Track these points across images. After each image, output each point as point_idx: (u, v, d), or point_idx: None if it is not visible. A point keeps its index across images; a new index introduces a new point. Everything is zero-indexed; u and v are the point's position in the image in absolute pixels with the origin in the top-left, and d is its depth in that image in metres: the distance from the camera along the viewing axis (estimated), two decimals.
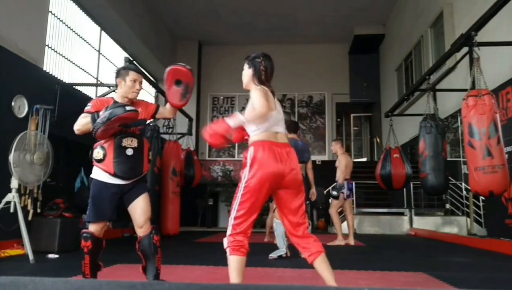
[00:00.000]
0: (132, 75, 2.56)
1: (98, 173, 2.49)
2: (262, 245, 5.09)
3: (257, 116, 2.10)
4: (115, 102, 2.45)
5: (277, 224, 4.52)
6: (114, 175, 2.44)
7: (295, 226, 2.18)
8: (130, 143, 2.46)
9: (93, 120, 2.34)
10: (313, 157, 11.48)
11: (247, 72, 2.40)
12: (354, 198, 9.17)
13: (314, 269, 2.22)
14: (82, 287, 0.90)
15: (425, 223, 8.65)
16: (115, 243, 5.54)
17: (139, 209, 2.50)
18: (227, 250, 2.07)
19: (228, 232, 2.10)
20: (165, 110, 2.73)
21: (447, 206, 8.59)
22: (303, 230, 2.18)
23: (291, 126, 5.11)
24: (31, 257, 3.88)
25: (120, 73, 2.59)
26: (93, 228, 2.47)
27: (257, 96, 2.15)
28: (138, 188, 2.53)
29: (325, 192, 6.19)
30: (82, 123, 2.42)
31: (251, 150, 2.17)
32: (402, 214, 9.20)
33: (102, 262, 2.58)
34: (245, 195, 2.09)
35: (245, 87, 2.42)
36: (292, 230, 2.19)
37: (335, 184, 6.12)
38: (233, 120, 2.14)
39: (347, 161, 6.03)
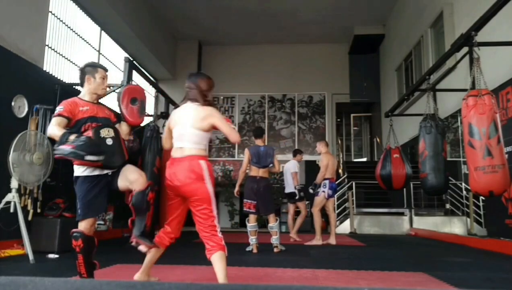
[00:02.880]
0: (101, 72, 2.65)
1: (85, 170, 2.47)
2: (262, 245, 5.09)
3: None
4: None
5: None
6: (103, 166, 2.44)
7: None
8: (107, 133, 2.47)
9: (60, 141, 2.33)
10: (312, 158, 11.59)
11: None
12: (354, 198, 9.24)
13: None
14: (82, 287, 0.90)
15: (425, 223, 8.65)
16: (115, 243, 5.54)
17: (129, 169, 2.54)
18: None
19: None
20: (124, 128, 2.74)
21: (447, 206, 8.59)
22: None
23: (256, 132, 5.24)
24: (31, 257, 3.88)
25: (87, 70, 2.64)
26: (82, 226, 2.46)
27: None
28: (120, 167, 2.56)
29: (310, 189, 6.23)
30: (55, 135, 2.38)
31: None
32: (402, 214, 9.20)
33: (98, 261, 2.57)
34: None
35: None
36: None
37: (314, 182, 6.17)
38: None
39: (328, 161, 6.06)
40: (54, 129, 2.40)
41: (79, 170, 2.49)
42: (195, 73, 2.76)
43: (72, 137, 2.33)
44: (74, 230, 2.47)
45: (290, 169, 6.67)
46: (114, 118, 2.74)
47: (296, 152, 7.09)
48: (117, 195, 2.93)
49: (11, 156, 4.06)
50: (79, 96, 2.64)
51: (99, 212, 2.53)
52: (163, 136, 2.57)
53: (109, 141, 2.46)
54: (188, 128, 2.49)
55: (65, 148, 2.29)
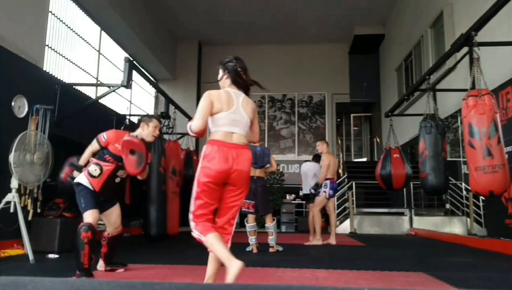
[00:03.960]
0: (154, 122, 3.15)
1: (87, 182, 2.93)
2: (262, 245, 5.09)
3: (190, 130, 2.34)
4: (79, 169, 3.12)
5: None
6: (97, 193, 2.93)
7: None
8: (122, 174, 3.06)
9: (76, 166, 3.18)
10: None
11: (220, 75, 2.58)
12: (354, 198, 9.23)
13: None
14: (82, 287, 0.90)
15: (425, 223, 8.65)
16: None
17: (115, 214, 3.16)
18: (198, 236, 2.22)
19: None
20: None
21: (447, 206, 8.59)
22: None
23: None
24: (31, 257, 3.88)
25: (144, 119, 3.18)
26: (89, 218, 2.79)
27: (198, 107, 2.34)
28: (113, 200, 3.15)
29: (311, 189, 6.19)
30: (84, 157, 3.10)
31: (204, 148, 2.33)
32: (402, 214, 9.19)
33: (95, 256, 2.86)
34: (199, 188, 2.28)
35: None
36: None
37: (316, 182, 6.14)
38: (187, 126, 2.39)
39: (329, 161, 6.04)
40: (85, 154, 3.12)
41: (82, 179, 2.95)
42: (241, 59, 2.58)
43: (76, 173, 3.18)
44: (82, 223, 2.78)
45: (311, 170, 6.46)
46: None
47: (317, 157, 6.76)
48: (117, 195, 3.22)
49: (12, 156, 4.06)
50: (132, 134, 3.13)
51: (99, 205, 2.94)
52: (196, 116, 2.31)
53: (117, 180, 3.08)
54: (245, 117, 2.38)
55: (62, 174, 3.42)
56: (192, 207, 2.26)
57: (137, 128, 3.17)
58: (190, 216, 2.26)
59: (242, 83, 2.46)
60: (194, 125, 2.29)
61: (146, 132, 3.11)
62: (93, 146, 3.03)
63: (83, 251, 2.67)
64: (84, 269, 2.68)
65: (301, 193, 6.68)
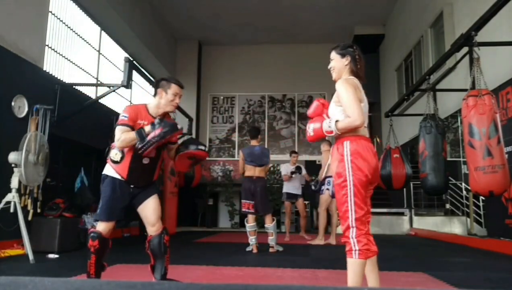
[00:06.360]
0: (174, 88, 2.54)
1: (113, 172, 2.49)
2: (262, 245, 5.08)
3: (350, 128, 1.99)
4: (161, 119, 2.42)
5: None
6: (126, 180, 2.48)
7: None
8: (148, 152, 2.46)
9: (141, 137, 2.36)
10: (313, 157, 11.61)
11: (339, 62, 2.19)
12: None
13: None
14: (82, 287, 0.90)
15: (425, 223, 8.65)
16: (115, 243, 5.53)
17: (151, 208, 2.54)
18: (356, 253, 2.01)
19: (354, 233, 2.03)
20: (172, 151, 2.69)
21: (447, 206, 8.59)
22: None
23: (252, 132, 5.25)
24: (31, 257, 3.88)
25: (161, 84, 2.57)
26: (101, 227, 2.47)
27: (349, 97, 1.98)
28: (149, 189, 2.58)
29: (312, 186, 6.26)
30: (127, 140, 2.39)
31: (348, 145, 2.02)
32: (402, 214, 9.19)
33: (107, 262, 2.58)
34: (356, 189, 2.03)
35: (337, 78, 2.21)
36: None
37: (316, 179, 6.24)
38: (324, 127, 2.07)
39: (328, 158, 6.06)
40: (121, 136, 2.40)
41: (107, 170, 2.51)
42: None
43: (147, 128, 2.38)
44: (92, 229, 2.47)
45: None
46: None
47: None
48: None
49: (16, 156, 4.10)
50: (148, 104, 2.59)
51: (115, 218, 2.52)
52: (351, 107, 1.97)
53: (146, 160, 2.51)
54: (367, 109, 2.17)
55: (156, 134, 2.32)
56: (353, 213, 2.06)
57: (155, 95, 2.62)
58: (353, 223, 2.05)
59: (357, 72, 2.17)
60: (356, 118, 1.95)
61: (165, 100, 2.54)
62: (123, 131, 2.41)
63: (89, 260, 2.43)
64: (90, 277, 2.50)
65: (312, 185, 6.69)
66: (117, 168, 2.47)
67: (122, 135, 2.39)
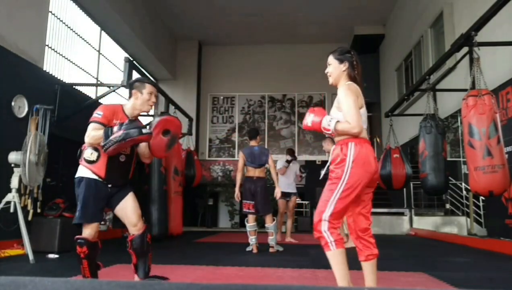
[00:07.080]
0: (149, 88, 2.56)
1: (89, 173, 2.43)
2: (262, 245, 5.09)
3: (348, 133, 2.04)
4: (130, 120, 2.38)
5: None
6: (104, 180, 2.43)
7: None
8: (124, 149, 2.46)
9: (106, 136, 2.31)
10: (313, 157, 11.61)
11: (336, 68, 2.23)
12: None
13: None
14: (82, 287, 0.90)
15: (425, 223, 8.65)
16: (115, 243, 5.53)
17: (130, 207, 2.52)
18: (333, 244, 2.00)
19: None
20: (146, 150, 2.62)
21: (447, 206, 8.59)
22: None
23: (250, 133, 5.25)
24: (31, 257, 3.88)
25: (135, 85, 2.58)
26: (87, 232, 2.40)
27: (350, 104, 2.02)
28: (124, 188, 2.55)
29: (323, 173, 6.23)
30: (95, 137, 2.37)
31: (352, 147, 2.04)
32: (402, 214, 9.19)
33: (101, 262, 2.56)
34: (345, 192, 2.02)
35: (334, 83, 2.27)
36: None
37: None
38: (324, 123, 2.10)
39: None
40: (91, 132, 2.37)
41: (83, 172, 2.44)
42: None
43: (115, 128, 2.31)
44: (78, 236, 2.41)
45: (292, 170, 6.67)
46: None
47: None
48: None
49: (17, 157, 4.11)
50: (124, 105, 2.59)
51: (96, 219, 2.45)
52: (351, 114, 2.03)
53: (122, 158, 2.50)
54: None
55: (118, 135, 2.26)
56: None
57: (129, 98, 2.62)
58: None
59: (354, 78, 2.21)
60: (355, 125, 2.00)
61: (141, 100, 2.54)
62: (94, 128, 2.39)
63: (82, 265, 2.40)
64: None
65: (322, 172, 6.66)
66: (93, 168, 2.41)
67: (92, 132, 2.38)
